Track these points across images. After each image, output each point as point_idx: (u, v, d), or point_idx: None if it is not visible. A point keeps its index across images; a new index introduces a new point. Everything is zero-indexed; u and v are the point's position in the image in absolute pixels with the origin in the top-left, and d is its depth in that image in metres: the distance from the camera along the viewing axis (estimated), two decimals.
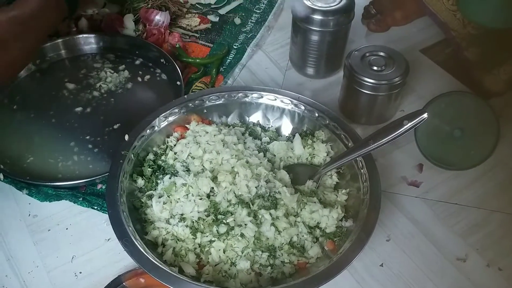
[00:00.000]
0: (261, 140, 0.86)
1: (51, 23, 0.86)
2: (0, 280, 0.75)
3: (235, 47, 1.11)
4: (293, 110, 0.87)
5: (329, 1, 0.94)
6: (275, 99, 0.87)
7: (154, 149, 0.83)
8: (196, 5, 1.22)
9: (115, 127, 0.92)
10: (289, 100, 0.86)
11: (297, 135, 0.86)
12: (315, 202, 0.75)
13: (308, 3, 0.94)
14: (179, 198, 0.74)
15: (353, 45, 0.99)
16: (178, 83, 0.97)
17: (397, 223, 0.82)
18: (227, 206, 0.73)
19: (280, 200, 0.74)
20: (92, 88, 0.99)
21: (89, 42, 1.07)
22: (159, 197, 0.75)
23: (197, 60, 1.06)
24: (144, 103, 0.98)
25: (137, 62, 1.06)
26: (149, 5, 1.12)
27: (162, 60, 1.02)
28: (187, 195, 0.74)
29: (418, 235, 0.80)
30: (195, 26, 1.16)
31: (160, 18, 1.09)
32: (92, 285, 0.74)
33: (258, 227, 0.71)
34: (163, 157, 0.81)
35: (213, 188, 0.75)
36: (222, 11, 1.21)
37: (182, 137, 0.84)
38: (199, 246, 0.72)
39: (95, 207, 0.82)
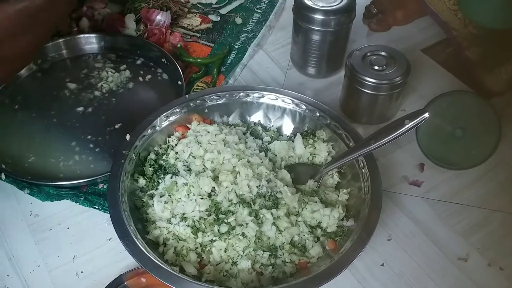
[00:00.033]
0: (262, 140, 0.86)
1: (59, 15, 0.85)
2: (1, 280, 0.75)
3: (236, 46, 1.11)
4: (294, 110, 0.87)
5: (330, 1, 0.94)
6: (276, 99, 0.87)
7: (156, 148, 0.83)
8: (197, 4, 1.22)
9: (116, 126, 0.92)
10: (290, 99, 0.86)
11: (298, 135, 0.86)
12: (316, 202, 0.75)
13: (310, 3, 0.94)
14: (180, 198, 0.74)
15: (354, 45, 0.99)
16: (179, 82, 0.97)
17: (398, 222, 0.82)
18: (228, 206, 0.73)
19: (281, 200, 0.74)
20: (94, 88, 1.00)
21: (90, 42, 1.07)
22: (161, 197, 0.75)
23: (198, 60, 1.06)
24: (145, 102, 0.98)
25: (138, 62, 1.06)
26: (150, 5, 1.12)
27: (163, 60, 1.02)
28: (188, 194, 0.74)
29: (419, 235, 0.80)
30: (196, 26, 1.16)
31: (161, 18, 1.10)
32: (93, 284, 0.74)
33: (259, 226, 0.71)
34: (164, 157, 0.81)
35: (214, 187, 0.74)
36: (223, 11, 1.21)
37: (183, 136, 0.84)
38: (200, 246, 0.72)
39: (97, 207, 0.82)
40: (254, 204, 0.73)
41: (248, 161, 0.78)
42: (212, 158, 0.78)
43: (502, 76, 0.96)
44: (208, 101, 0.87)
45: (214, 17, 1.19)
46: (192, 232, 0.71)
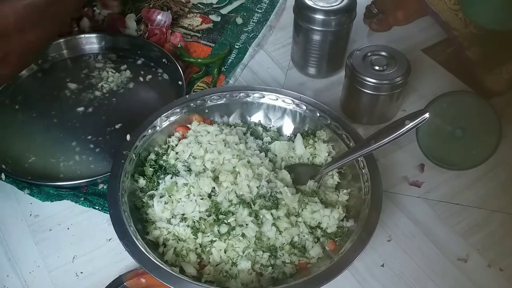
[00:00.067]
0: (262, 140, 0.86)
1: (69, 10, 0.85)
2: (1, 280, 0.75)
3: (236, 46, 1.11)
4: (295, 110, 0.87)
5: (331, 1, 0.94)
6: (277, 99, 0.87)
7: (156, 149, 0.83)
8: (198, 4, 1.22)
9: (116, 127, 0.92)
10: (291, 100, 0.86)
11: (298, 135, 0.85)
12: (316, 202, 0.75)
13: (310, 3, 0.94)
14: (180, 198, 0.74)
15: (355, 45, 0.99)
16: (180, 83, 0.97)
17: (398, 223, 0.82)
18: (228, 206, 0.73)
19: (281, 200, 0.74)
20: (94, 88, 1.00)
21: (91, 42, 1.07)
22: (161, 197, 0.75)
23: (199, 60, 1.06)
24: (145, 103, 0.98)
25: (139, 62, 1.06)
26: (151, 5, 1.12)
27: (164, 60, 1.02)
28: (188, 195, 0.74)
29: (419, 235, 0.80)
30: (197, 26, 1.16)
31: (162, 18, 1.10)
32: (93, 285, 0.75)
33: (259, 227, 0.71)
34: (164, 157, 0.81)
35: (214, 188, 0.74)
36: (224, 11, 1.21)
37: (184, 137, 0.84)
38: (200, 246, 0.72)
39: (97, 207, 0.82)
40: (254, 204, 0.73)
41: (248, 162, 0.78)
42: (212, 158, 0.78)
43: (503, 76, 0.95)
44: (209, 101, 0.87)
45: (214, 17, 1.19)
46: (192, 232, 0.71)
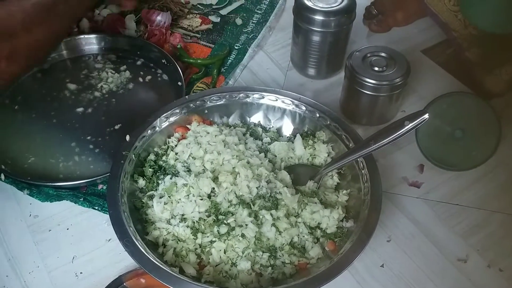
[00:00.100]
0: (262, 141, 0.86)
1: (78, 9, 0.85)
2: (1, 280, 0.75)
3: (236, 47, 1.11)
4: (294, 111, 0.87)
5: (331, 2, 0.94)
6: (276, 100, 0.87)
7: (155, 149, 0.83)
8: (198, 5, 1.22)
9: (116, 127, 0.92)
10: (290, 100, 0.86)
11: (298, 136, 0.86)
12: (316, 203, 0.75)
13: (310, 4, 0.94)
14: (180, 199, 0.74)
15: (354, 46, 1.00)
16: (179, 83, 0.97)
17: (398, 223, 0.82)
18: (228, 207, 0.73)
19: (281, 201, 0.74)
20: (94, 88, 0.99)
21: (90, 42, 1.07)
22: (160, 198, 0.75)
23: (198, 61, 1.06)
24: (145, 103, 0.98)
25: (139, 62, 1.06)
26: (151, 6, 1.12)
27: (163, 61, 1.03)
28: (188, 195, 0.74)
29: (419, 236, 0.80)
30: (197, 26, 1.16)
31: (161, 18, 1.10)
32: (92, 285, 0.74)
33: (259, 227, 0.71)
34: (164, 158, 0.81)
35: (214, 188, 0.74)
36: (224, 12, 1.21)
37: (183, 137, 0.84)
38: (200, 247, 0.72)
39: (96, 208, 0.82)
40: (253, 205, 0.73)
41: (248, 162, 0.78)
42: (212, 159, 0.78)
43: (502, 77, 0.96)
44: (208, 102, 0.87)
45: (214, 18, 1.19)
46: (191, 233, 0.71)
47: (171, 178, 0.77)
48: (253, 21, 1.18)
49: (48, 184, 0.83)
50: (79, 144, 0.90)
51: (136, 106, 0.97)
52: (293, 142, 0.86)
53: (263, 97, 0.87)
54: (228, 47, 1.10)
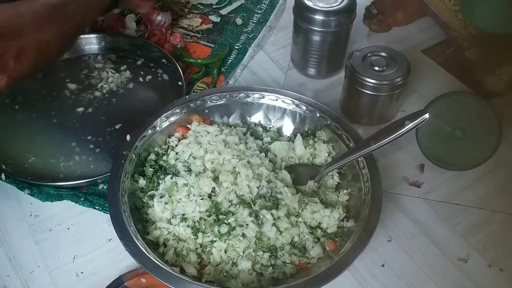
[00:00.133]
0: (262, 140, 0.86)
1: (90, 10, 0.84)
2: (1, 280, 0.75)
3: (236, 47, 1.11)
4: (295, 111, 0.87)
5: (331, 2, 0.94)
6: (277, 99, 0.87)
7: (156, 149, 0.83)
8: (198, 5, 1.22)
9: (116, 127, 0.92)
10: (291, 100, 0.86)
11: (298, 135, 0.86)
12: (316, 203, 0.75)
13: (310, 4, 0.94)
14: (180, 198, 0.74)
15: (355, 46, 1.00)
16: (180, 83, 0.97)
17: (398, 223, 0.82)
18: (229, 206, 0.73)
19: (281, 200, 0.74)
20: (94, 88, 1.00)
21: (90, 42, 1.07)
22: (161, 197, 0.75)
23: (199, 61, 1.06)
24: (145, 103, 0.98)
25: (139, 62, 1.06)
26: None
27: (163, 61, 1.02)
28: (188, 195, 0.74)
29: (419, 236, 0.80)
30: (197, 26, 1.16)
31: (161, 18, 1.10)
32: (93, 285, 0.74)
33: (260, 227, 0.71)
34: (164, 157, 0.81)
35: (214, 188, 0.74)
36: (224, 12, 1.21)
37: (184, 137, 0.84)
38: (201, 246, 0.72)
39: (97, 207, 0.82)
40: (254, 204, 0.73)
41: (248, 162, 0.78)
42: (212, 158, 0.78)
43: (503, 77, 0.96)
44: (209, 102, 0.87)
45: (214, 18, 1.19)
46: (192, 232, 0.71)
47: (171, 178, 0.77)
48: (253, 21, 1.18)
49: (49, 183, 0.83)
50: (80, 143, 0.90)
51: (137, 106, 0.97)
52: (293, 142, 0.86)
53: (263, 97, 0.87)
54: (228, 47, 1.10)
